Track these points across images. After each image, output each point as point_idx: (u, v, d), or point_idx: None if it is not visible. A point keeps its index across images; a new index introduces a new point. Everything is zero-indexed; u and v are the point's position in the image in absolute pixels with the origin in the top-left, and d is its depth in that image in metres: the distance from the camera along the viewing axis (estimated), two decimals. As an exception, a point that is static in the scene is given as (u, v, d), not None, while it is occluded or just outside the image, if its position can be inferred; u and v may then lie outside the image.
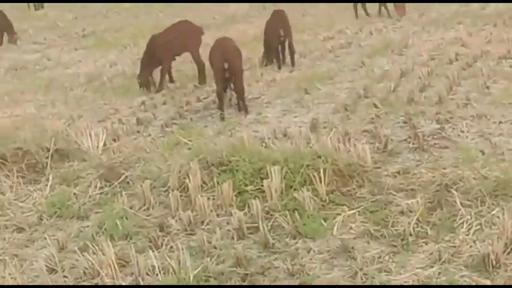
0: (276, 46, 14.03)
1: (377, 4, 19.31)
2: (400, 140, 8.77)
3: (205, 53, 12.03)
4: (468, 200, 6.68)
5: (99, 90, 13.38)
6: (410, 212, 6.58)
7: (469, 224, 6.29)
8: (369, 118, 9.85)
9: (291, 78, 13.01)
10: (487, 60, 12.69)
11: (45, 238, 6.70)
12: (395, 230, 6.36)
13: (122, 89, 13.09)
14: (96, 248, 6.04)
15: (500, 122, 9.16)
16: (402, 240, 6.18)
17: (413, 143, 8.55)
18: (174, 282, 5.61)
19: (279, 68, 13.96)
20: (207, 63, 12.09)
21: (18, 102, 13.11)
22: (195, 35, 13.43)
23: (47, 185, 7.92)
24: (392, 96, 10.92)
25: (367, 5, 19.34)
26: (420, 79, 11.66)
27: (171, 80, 13.31)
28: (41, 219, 7.24)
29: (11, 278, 5.79)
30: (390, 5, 18.91)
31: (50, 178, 8.02)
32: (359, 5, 19.29)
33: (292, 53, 14.07)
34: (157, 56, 12.86)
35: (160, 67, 13.03)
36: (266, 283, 5.70)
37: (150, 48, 12.98)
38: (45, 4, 28.62)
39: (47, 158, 8.42)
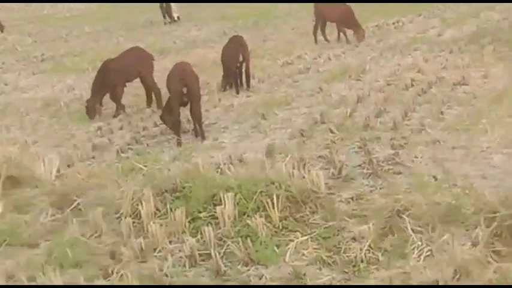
0: (234, 70, 14.08)
1: (336, 30, 19.47)
2: (354, 166, 8.81)
3: (163, 78, 11.97)
4: (419, 226, 6.72)
5: (55, 115, 13.25)
6: (363, 238, 6.60)
7: (420, 250, 6.31)
8: (325, 144, 9.89)
9: (249, 104, 13.02)
10: (442, 86, 12.84)
11: (-6, 267, 6.58)
12: (347, 256, 6.37)
13: (78, 114, 12.97)
14: (44, 277, 5.94)
15: (454, 148, 9.26)
16: (354, 266, 6.19)
17: (367, 169, 8.59)
18: (123, 312, 5.53)
19: (237, 92, 13.99)
20: (164, 89, 12.03)
21: (-29, 127, 12.92)
22: (147, 61, 13.41)
23: (-3, 213, 7.78)
24: (349, 121, 10.99)
25: (327, 31, 19.50)
26: (376, 105, 11.74)
27: (123, 108, 13.19)
28: (-10, 248, 7.11)
29: (-44, 308, 5.65)
30: (349, 31, 19.09)
31: (1, 205, 7.88)
32: (319, 30, 19.44)
33: (248, 77, 14.19)
34: (109, 81, 12.81)
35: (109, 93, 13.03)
36: (217, 311, 5.65)
37: (102, 74, 12.91)
38: (5, 30, 28.37)
39: (-1, 184, 8.28)
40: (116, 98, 13.07)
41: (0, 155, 9.40)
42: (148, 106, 13.36)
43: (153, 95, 13.33)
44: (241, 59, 14.03)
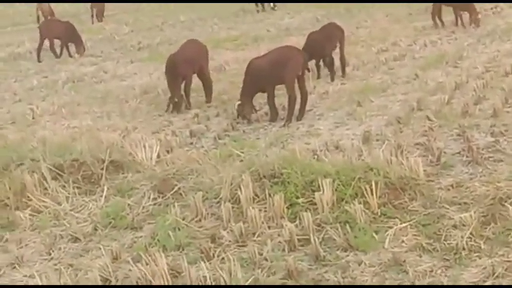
0: (331, 56, 14.11)
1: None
2: (453, 153, 8.69)
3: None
4: (523, 214, 6.59)
5: (153, 102, 13.56)
6: (464, 225, 6.52)
7: (524, 238, 6.20)
8: (422, 131, 9.78)
9: (344, 91, 12.99)
10: (543, 73, 12.49)
11: (100, 248, 6.81)
12: (448, 243, 6.31)
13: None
14: (149, 258, 6.11)
15: (557, 135, 9.01)
16: (455, 254, 6.13)
17: (467, 156, 8.47)
18: (225, 294, 5.65)
19: (332, 79, 14.02)
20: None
21: (74, 114, 13.35)
22: (205, 53, 13.48)
23: (102, 196, 8.04)
24: (446, 108, 10.83)
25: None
26: (475, 91, 11.53)
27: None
28: (96, 230, 7.36)
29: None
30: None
31: (105, 189, 8.15)
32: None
33: (343, 64, 14.32)
34: (180, 73, 12.82)
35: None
36: (317, 296, 5.69)
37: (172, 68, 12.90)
38: (105, 15, 29.16)
39: (102, 169, 8.54)
40: (186, 89, 12.97)
41: (103, 140, 9.72)
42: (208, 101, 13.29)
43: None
44: (338, 45, 14.05)
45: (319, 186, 7.14)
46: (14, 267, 6.69)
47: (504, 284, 5.59)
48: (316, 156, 8.66)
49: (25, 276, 6.48)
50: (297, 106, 11.34)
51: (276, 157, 8.28)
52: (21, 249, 7.06)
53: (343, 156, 8.57)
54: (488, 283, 5.64)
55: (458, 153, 8.70)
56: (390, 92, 12.57)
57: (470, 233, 6.35)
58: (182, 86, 12.91)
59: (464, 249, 6.15)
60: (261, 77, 11.36)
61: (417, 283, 5.74)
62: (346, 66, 14.47)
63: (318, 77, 14.21)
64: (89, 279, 6.17)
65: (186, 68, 12.82)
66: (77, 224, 7.47)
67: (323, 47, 13.89)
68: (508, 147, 8.71)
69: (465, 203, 7.06)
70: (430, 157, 8.48)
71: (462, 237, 6.28)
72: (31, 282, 6.24)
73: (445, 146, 8.97)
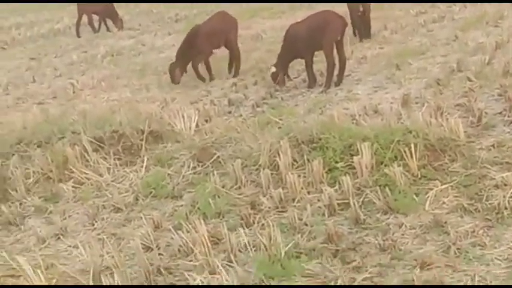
0: (356, 19, 14.16)
1: None
2: (495, 113, 8.57)
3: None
4: None
5: (191, 73, 13.55)
6: (505, 185, 6.45)
7: None
8: (462, 92, 9.66)
9: (382, 55, 12.87)
10: None
11: (141, 218, 6.89)
12: (489, 204, 6.25)
13: (213, 71, 13.20)
14: (190, 226, 6.17)
15: None
16: (497, 214, 6.07)
17: (508, 116, 8.35)
18: (266, 259, 5.67)
19: (360, 40, 14.22)
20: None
21: (114, 87, 13.46)
22: (233, 25, 13.20)
23: (142, 166, 8.12)
24: (487, 69, 10.66)
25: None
26: (516, 51, 11.33)
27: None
28: (137, 200, 7.44)
29: (109, 256, 5.97)
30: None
31: (145, 159, 8.22)
32: None
33: (368, 26, 14.39)
34: (197, 47, 12.58)
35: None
36: (357, 259, 5.69)
37: (191, 39, 12.75)
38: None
39: (142, 140, 8.61)
40: (195, 65, 12.73)
41: (142, 112, 9.78)
42: (230, 71, 13.14)
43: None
44: (361, 9, 14.01)
45: (357, 150, 7.11)
46: (59, 238, 6.81)
47: (548, 242, 5.52)
48: (354, 121, 8.62)
49: (69, 246, 6.59)
50: (336, 72, 11.26)
51: (314, 123, 8.25)
52: (65, 221, 7.19)
53: (382, 120, 8.50)
54: (531, 242, 5.58)
55: (500, 113, 8.57)
56: (429, 54, 12.41)
57: (513, 193, 6.27)
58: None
59: (506, 208, 6.09)
60: (299, 43, 11.29)
61: (458, 244, 5.69)
62: (384, 29, 14.35)
63: (360, 40, 14.17)
64: (131, 248, 6.25)
65: (205, 42, 12.64)
66: (119, 195, 7.56)
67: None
68: (550, 106, 8.56)
69: (507, 163, 6.97)
70: (471, 118, 8.37)
71: (504, 196, 6.21)
72: (75, 252, 6.34)
73: (486, 106, 8.83)
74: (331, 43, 11.11)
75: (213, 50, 13.00)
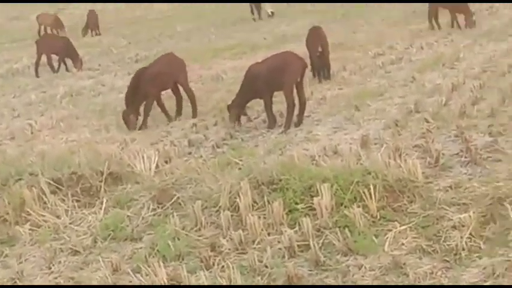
0: (315, 60, 14.32)
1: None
2: (452, 154, 8.69)
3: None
4: (522, 214, 6.58)
5: (151, 114, 13.53)
6: (463, 226, 6.52)
7: (524, 238, 6.19)
8: (420, 133, 9.79)
9: (341, 96, 13.00)
10: (541, 72, 12.51)
11: (100, 260, 6.80)
12: (447, 245, 6.31)
13: (173, 112, 13.20)
14: (149, 269, 6.11)
15: (556, 135, 9.01)
16: (455, 255, 6.13)
17: (465, 157, 8.47)
18: (226, 302, 5.64)
19: (319, 81, 14.37)
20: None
21: (73, 128, 13.35)
22: (181, 67, 13.13)
23: (101, 208, 8.03)
24: (444, 110, 10.84)
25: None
26: (472, 92, 11.55)
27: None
28: (96, 242, 7.35)
29: (67, 300, 5.89)
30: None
31: (104, 201, 8.14)
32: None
33: (327, 67, 14.53)
34: (144, 90, 12.58)
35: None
36: (318, 301, 5.69)
37: (137, 83, 12.74)
38: (101, 31, 29.21)
39: (101, 181, 8.54)
40: (146, 109, 12.72)
41: (101, 153, 9.71)
42: (178, 115, 13.01)
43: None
44: (320, 49, 14.18)
45: (317, 192, 7.14)
46: (15, 282, 6.69)
47: (504, 284, 5.57)
48: (314, 162, 8.66)
49: (25, 291, 6.48)
50: (296, 112, 11.33)
51: (274, 164, 8.28)
52: (22, 264, 7.07)
53: (342, 160, 8.57)
54: (488, 283, 5.64)
55: (457, 154, 8.70)
56: (387, 95, 12.58)
57: (470, 234, 6.34)
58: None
59: (464, 249, 6.16)
60: (259, 83, 11.36)
61: (418, 285, 5.72)
62: (343, 70, 14.53)
63: (319, 82, 14.32)
64: (89, 292, 6.17)
65: (150, 86, 12.59)
66: (77, 237, 7.46)
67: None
68: (506, 147, 8.72)
69: (464, 204, 7.05)
70: (429, 159, 8.48)
71: (462, 237, 6.28)
72: (31, 297, 6.23)
73: (443, 147, 8.96)
74: (291, 84, 11.21)
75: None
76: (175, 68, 13.03)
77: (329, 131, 10.77)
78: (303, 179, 7.50)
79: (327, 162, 8.56)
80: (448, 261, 6.08)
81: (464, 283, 5.71)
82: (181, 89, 13.10)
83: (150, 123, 12.81)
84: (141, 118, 12.77)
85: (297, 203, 7.28)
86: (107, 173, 8.67)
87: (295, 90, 11.29)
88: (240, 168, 8.66)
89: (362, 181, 7.27)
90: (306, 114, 11.70)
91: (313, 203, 7.13)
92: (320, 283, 5.98)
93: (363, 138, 9.69)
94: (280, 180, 7.60)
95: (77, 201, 8.29)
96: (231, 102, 11.78)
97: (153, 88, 12.65)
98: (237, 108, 11.69)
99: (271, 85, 11.30)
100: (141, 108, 12.79)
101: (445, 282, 5.75)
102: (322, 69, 14.51)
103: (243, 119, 11.99)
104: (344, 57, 16.32)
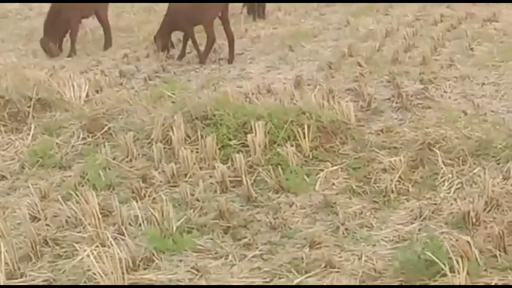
0: None
1: None
2: (383, 99, 8.81)
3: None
4: (450, 159, 6.77)
5: (80, 42, 13.19)
6: (393, 169, 6.64)
7: (450, 183, 6.39)
8: (353, 77, 9.86)
9: (276, 35, 12.94)
10: (471, 23, 12.70)
11: (28, 187, 6.69)
12: (377, 186, 6.43)
13: (104, 41, 12.91)
14: (80, 197, 6.03)
15: (483, 84, 9.24)
16: (384, 196, 6.25)
17: (396, 102, 8.59)
18: (157, 233, 5.62)
19: (254, 19, 14.21)
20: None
21: (-1, 52, 12.95)
22: None
23: (29, 134, 7.89)
24: (377, 55, 10.93)
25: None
26: (405, 39, 11.65)
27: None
28: (23, 168, 7.23)
29: (-6, 224, 5.77)
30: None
31: (32, 127, 7.99)
32: None
33: (263, 6, 14.46)
34: (64, 18, 12.38)
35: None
36: (248, 236, 5.73)
37: (56, 11, 12.50)
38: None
39: (29, 107, 8.39)
40: (72, 35, 12.52)
41: (29, 78, 9.45)
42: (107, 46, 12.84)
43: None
44: None
45: (251, 129, 7.14)
46: None
47: (430, 225, 5.73)
48: (248, 99, 8.64)
49: (-51, 214, 6.31)
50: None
51: (208, 99, 8.25)
52: None
53: (276, 99, 8.59)
54: (415, 225, 5.78)
55: (388, 99, 8.81)
56: (321, 37, 12.59)
57: (399, 177, 6.47)
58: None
59: (393, 192, 6.28)
60: (180, 18, 11.30)
61: (347, 224, 5.83)
62: (278, 10, 14.47)
63: (254, 20, 14.21)
64: (17, 217, 6.07)
65: (71, 13, 12.36)
66: (3, 162, 7.34)
67: None
68: (436, 95, 8.88)
69: (394, 148, 7.18)
70: (361, 102, 8.57)
71: (391, 180, 6.40)
72: (-44, 220, 6.08)
73: (376, 92, 9.06)
74: (211, 18, 11.25)
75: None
76: None
77: (263, 70, 10.74)
78: (237, 116, 7.50)
79: (260, 100, 8.56)
80: (377, 202, 6.19)
81: (392, 224, 5.84)
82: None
83: (79, 51, 12.51)
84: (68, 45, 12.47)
85: (230, 139, 7.28)
86: (35, 99, 8.52)
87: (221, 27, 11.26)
88: (173, 102, 8.60)
89: (296, 120, 7.31)
90: (239, 51, 11.64)
91: (246, 140, 7.13)
92: (251, 219, 6.02)
93: (297, 79, 9.70)
94: (214, 115, 7.58)
95: (4, 125, 8.15)
96: (156, 33, 11.78)
97: (74, 14, 12.38)
98: (162, 38, 11.65)
99: (191, 20, 11.25)
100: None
101: (374, 223, 5.86)
102: (257, 7, 14.39)
103: (176, 52, 11.82)
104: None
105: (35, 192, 6.51)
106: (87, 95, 9.07)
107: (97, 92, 9.58)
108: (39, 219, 6.04)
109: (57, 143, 7.66)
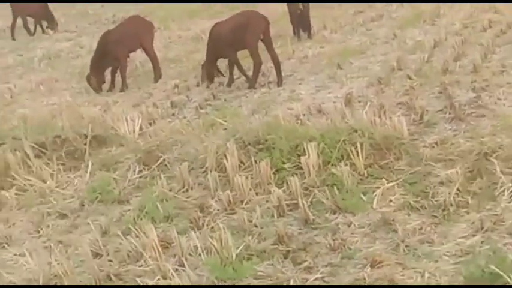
0: (294, 19, 14.43)
1: None
2: (436, 111, 8.72)
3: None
4: (508, 168, 6.64)
5: (132, 75, 13.43)
6: (450, 182, 6.55)
7: (510, 192, 6.25)
8: (404, 90, 9.81)
9: (323, 54, 12.97)
10: (521, 27, 12.55)
11: (88, 223, 6.77)
12: (435, 200, 6.34)
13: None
14: (139, 230, 6.10)
15: (538, 88, 9.07)
16: (443, 210, 6.16)
17: (449, 113, 8.50)
18: (217, 262, 5.64)
19: (298, 39, 14.40)
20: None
21: (53, 91, 13.23)
22: (148, 29, 13.17)
23: (86, 171, 8.00)
24: (427, 67, 10.85)
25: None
26: (454, 48, 11.56)
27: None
28: (83, 205, 7.33)
29: (58, 263, 5.86)
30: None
31: (89, 164, 8.10)
32: None
33: (308, 25, 14.60)
34: (111, 54, 12.53)
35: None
36: (308, 259, 5.71)
37: (103, 46, 12.69)
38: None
39: (85, 144, 8.50)
40: (122, 71, 12.67)
41: (84, 115, 9.64)
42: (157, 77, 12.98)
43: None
44: (301, 6, 14.33)
45: (304, 151, 7.14)
46: (3, 247, 6.64)
47: (493, 237, 5.63)
48: (299, 121, 8.66)
49: (15, 254, 6.43)
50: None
51: (259, 124, 8.28)
52: (9, 229, 7.02)
53: (327, 119, 8.57)
54: (477, 237, 5.68)
55: (441, 110, 8.73)
56: (369, 53, 12.57)
57: (457, 189, 6.38)
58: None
59: (452, 205, 6.18)
60: (222, 42, 11.38)
61: (407, 241, 5.76)
62: (324, 29, 14.52)
63: (299, 40, 14.28)
64: (79, 255, 6.15)
65: (118, 49, 12.50)
66: (64, 201, 7.45)
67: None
68: (489, 102, 8.76)
69: (450, 160, 7.09)
70: (413, 116, 8.51)
71: (449, 193, 6.31)
72: (21, 261, 6.21)
73: (427, 104, 8.99)
74: (255, 42, 11.24)
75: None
76: (141, 29, 12.99)
77: (312, 90, 10.76)
78: (289, 138, 7.50)
79: (312, 121, 8.57)
80: (436, 216, 6.11)
81: (452, 238, 5.75)
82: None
83: (131, 85, 12.71)
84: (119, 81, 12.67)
85: (284, 162, 7.28)
86: (91, 135, 8.63)
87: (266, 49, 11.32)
88: (225, 129, 8.65)
89: (348, 139, 7.28)
90: (288, 73, 11.69)
91: (300, 162, 7.13)
92: (310, 241, 6.00)
93: (347, 97, 9.69)
94: (267, 140, 7.59)
95: (62, 164, 8.24)
96: (203, 62, 11.90)
97: (120, 50, 12.52)
98: (207, 67, 11.77)
99: (234, 44, 11.29)
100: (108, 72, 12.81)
101: (434, 238, 5.77)
102: (302, 27, 14.47)
103: (226, 79, 11.91)
104: (323, 15, 16.24)
105: (96, 229, 6.59)
106: (140, 128, 9.19)
107: (150, 124, 9.70)
108: (101, 255, 6.11)
109: (114, 178, 7.75)
